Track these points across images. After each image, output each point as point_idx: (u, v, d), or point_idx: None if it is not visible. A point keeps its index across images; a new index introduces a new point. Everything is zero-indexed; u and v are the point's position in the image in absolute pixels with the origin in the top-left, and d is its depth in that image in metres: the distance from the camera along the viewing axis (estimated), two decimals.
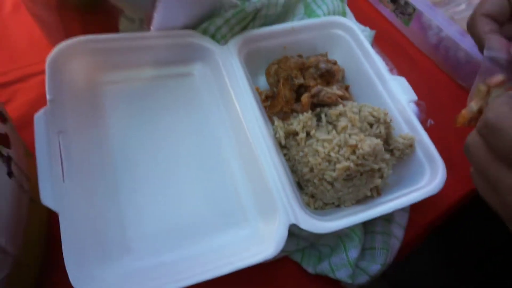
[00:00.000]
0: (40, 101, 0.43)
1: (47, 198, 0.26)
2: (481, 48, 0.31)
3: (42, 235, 0.32)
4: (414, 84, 0.43)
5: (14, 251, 0.26)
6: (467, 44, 0.42)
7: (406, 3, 0.47)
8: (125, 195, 0.32)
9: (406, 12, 0.48)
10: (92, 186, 0.31)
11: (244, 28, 0.40)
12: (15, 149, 0.28)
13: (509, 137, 0.22)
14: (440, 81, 0.47)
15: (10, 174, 0.26)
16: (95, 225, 0.29)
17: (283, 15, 0.45)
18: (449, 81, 0.47)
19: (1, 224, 0.24)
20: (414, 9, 0.46)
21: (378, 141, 0.33)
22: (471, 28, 0.32)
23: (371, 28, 0.48)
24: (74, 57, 0.35)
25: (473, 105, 0.28)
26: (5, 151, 0.26)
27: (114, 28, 0.41)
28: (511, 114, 0.23)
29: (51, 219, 0.34)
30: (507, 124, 0.22)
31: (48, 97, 0.31)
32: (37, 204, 0.30)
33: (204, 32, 0.39)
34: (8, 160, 0.26)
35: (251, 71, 0.41)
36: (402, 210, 0.36)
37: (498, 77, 0.28)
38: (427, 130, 0.42)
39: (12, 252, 0.25)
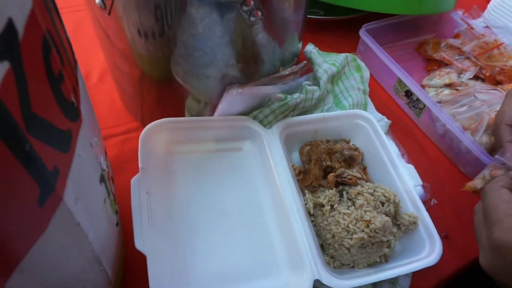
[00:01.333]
0: (118, 159, 0.54)
1: (140, 244, 0.36)
2: (499, 148, 0.40)
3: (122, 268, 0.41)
4: (422, 168, 0.52)
5: (113, 282, 0.35)
6: (466, 140, 0.51)
7: (418, 99, 0.57)
8: (188, 243, 0.42)
9: (418, 106, 0.58)
10: (165, 235, 0.41)
11: (285, 116, 0.51)
12: (118, 204, 0.39)
13: (486, 202, 0.34)
14: (444, 166, 0.56)
15: (117, 224, 0.36)
16: (167, 266, 0.39)
17: (316, 104, 0.56)
18: (452, 167, 0.56)
19: (111, 262, 0.34)
20: (424, 105, 0.56)
21: (387, 219, 0.42)
22: (496, 133, 0.41)
23: (388, 116, 0.59)
24: (157, 133, 0.46)
25: (477, 184, 0.40)
26: (116, 207, 0.36)
27: (181, 104, 0.52)
28: (495, 188, 0.34)
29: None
30: (490, 194, 0.34)
31: (140, 165, 0.42)
32: (122, 245, 0.40)
33: (255, 118, 0.50)
34: (117, 213, 0.36)
35: (288, 149, 0.51)
36: (406, 275, 0.44)
37: (500, 171, 0.38)
38: (431, 208, 0.51)
39: (113, 282, 0.35)
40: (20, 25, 0.16)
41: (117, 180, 0.47)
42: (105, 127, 0.58)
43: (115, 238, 0.35)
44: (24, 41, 0.16)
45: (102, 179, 0.29)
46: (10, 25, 0.15)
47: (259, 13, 0.40)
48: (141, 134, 0.45)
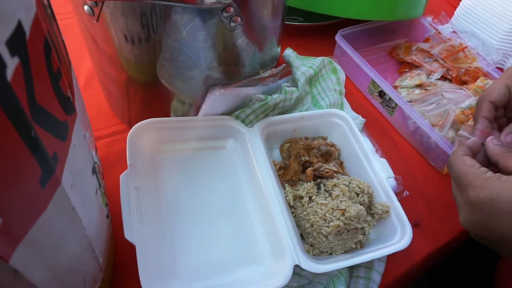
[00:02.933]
0: (106, 160, 0.57)
1: (129, 235, 0.38)
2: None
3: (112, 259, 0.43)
4: (395, 162, 0.56)
5: (104, 270, 0.37)
6: (435, 135, 0.55)
7: (390, 99, 0.61)
8: (176, 235, 0.44)
9: (390, 105, 0.62)
10: (153, 227, 0.43)
11: (266, 115, 0.54)
12: (107, 199, 0.41)
13: (453, 171, 0.38)
14: (415, 160, 0.59)
15: (107, 216, 0.38)
16: (156, 256, 0.41)
17: (295, 104, 0.59)
18: (423, 161, 0.59)
19: (102, 250, 0.36)
20: (396, 104, 0.60)
21: (361, 208, 0.45)
22: (477, 107, 0.42)
23: (363, 115, 0.62)
24: (144, 133, 0.49)
25: None
26: (106, 201, 0.38)
27: (167, 106, 0.55)
28: (457, 157, 0.39)
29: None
30: (454, 163, 0.39)
31: (128, 162, 0.44)
32: (112, 238, 0.43)
33: (237, 118, 0.53)
34: (107, 206, 0.39)
35: (269, 146, 0.54)
36: (380, 260, 0.47)
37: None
38: (403, 199, 0.54)
39: (103, 270, 0.37)
40: (27, 27, 0.18)
41: (106, 179, 0.49)
42: (93, 129, 0.60)
43: (106, 229, 0.38)
44: (30, 41, 0.19)
45: (94, 171, 0.31)
46: (19, 27, 0.17)
47: (239, 19, 0.43)
48: (129, 133, 0.47)
